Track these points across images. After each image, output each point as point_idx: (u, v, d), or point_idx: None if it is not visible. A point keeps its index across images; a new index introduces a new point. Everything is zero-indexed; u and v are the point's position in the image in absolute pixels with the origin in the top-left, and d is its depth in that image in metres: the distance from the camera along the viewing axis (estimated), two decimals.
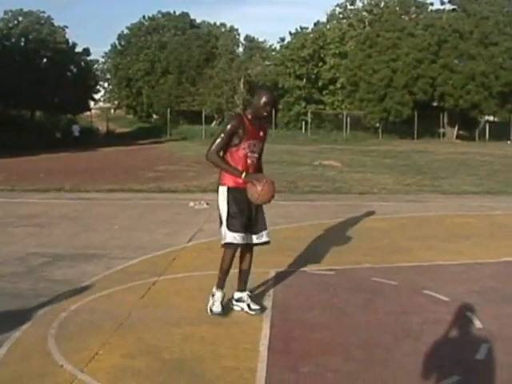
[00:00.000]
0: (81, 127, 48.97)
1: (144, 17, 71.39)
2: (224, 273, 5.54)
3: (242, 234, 5.44)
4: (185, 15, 70.48)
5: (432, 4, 58.81)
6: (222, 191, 5.49)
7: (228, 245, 5.44)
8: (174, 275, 6.92)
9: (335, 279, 6.83)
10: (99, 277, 6.86)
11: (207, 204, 12.02)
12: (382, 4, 61.68)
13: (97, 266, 7.37)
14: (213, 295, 5.56)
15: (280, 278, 6.77)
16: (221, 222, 5.50)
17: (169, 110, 54.95)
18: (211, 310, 5.51)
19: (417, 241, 8.99)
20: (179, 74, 62.70)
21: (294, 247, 8.28)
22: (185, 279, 6.80)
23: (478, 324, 5.25)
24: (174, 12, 71.06)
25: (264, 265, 6.71)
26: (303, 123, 56.39)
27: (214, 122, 59.38)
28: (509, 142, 47.71)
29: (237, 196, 5.45)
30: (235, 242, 5.41)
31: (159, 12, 71.57)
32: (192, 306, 5.73)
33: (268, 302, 5.88)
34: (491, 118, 55.47)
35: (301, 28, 63.40)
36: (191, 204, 12.29)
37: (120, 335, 4.97)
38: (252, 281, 5.82)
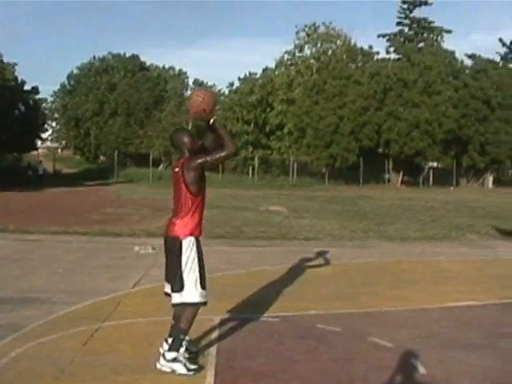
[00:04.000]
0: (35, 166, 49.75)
1: (94, 57, 71.16)
2: (185, 333, 5.21)
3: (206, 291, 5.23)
4: (135, 57, 70.49)
5: (378, 53, 60.19)
6: (188, 244, 5.13)
7: (200, 304, 5.19)
8: (118, 321, 6.82)
9: (280, 326, 6.82)
10: (41, 322, 6.71)
11: (153, 248, 11.90)
12: (330, 52, 62.82)
13: (39, 311, 7.21)
14: (175, 359, 5.13)
15: (225, 324, 6.73)
16: (179, 282, 5.10)
17: (116, 152, 54.52)
18: (186, 372, 5.13)
19: (362, 287, 9.06)
20: (128, 116, 62.46)
21: (238, 294, 8.26)
22: (129, 325, 6.70)
23: (421, 370, 5.31)
24: (124, 54, 71.02)
25: (208, 312, 6.66)
26: (250, 168, 56.66)
27: (162, 165, 59.13)
28: (451, 188, 48.75)
29: (200, 247, 5.22)
30: (205, 300, 5.19)
31: (109, 53, 71.45)
32: (136, 353, 5.64)
33: (212, 349, 5.83)
34: (435, 165, 56.65)
35: (250, 73, 64.12)
36: (136, 248, 12.16)
37: (62, 383, 4.86)
38: (196, 328, 5.74)
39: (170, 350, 5.18)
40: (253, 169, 55.84)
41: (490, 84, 50.10)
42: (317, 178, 53.03)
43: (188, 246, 5.11)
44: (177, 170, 5.21)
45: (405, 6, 60.44)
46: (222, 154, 5.14)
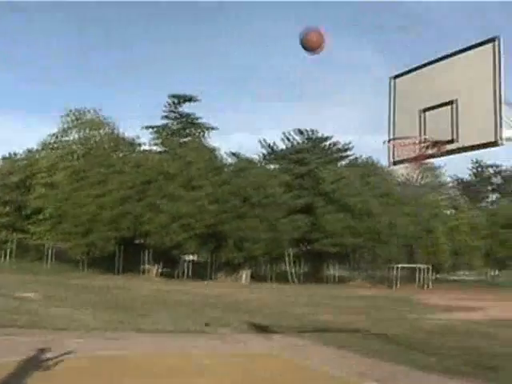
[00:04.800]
0: None
1: None
2: None
3: None
4: None
5: (140, 145, 61.05)
6: None
7: None
8: None
9: None
10: None
11: None
12: (96, 139, 62.62)
13: None
14: None
15: None
16: None
17: None
18: None
19: (115, 380, 8.89)
20: None
21: None
22: None
23: None
24: None
25: None
26: (6, 252, 54.07)
27: None
28: (206, 282, 49.68)
29: None
30: None
31: None
32: None
33: None
34: (192, 258, 57.69)
35: (13, 154, 62.37)
36: None
37: None
38: None
39: None
40: (10, 252, 53.46)
41: (248, 182, 52.69)
42: (74, 265, 51.70)
43: None
44: None
45: (173, 100, 62.04)
46: None
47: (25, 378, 8.48)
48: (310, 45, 6.35)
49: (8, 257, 53.59)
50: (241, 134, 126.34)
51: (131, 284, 37.13)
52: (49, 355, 10.19)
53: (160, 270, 53.18)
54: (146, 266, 53.48)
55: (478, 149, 8.85)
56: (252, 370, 10.52)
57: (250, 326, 17.18)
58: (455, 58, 9.00)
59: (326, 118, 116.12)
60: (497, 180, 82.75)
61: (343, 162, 67.13)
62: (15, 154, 62.41)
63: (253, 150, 68.17)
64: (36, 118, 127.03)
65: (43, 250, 54.60)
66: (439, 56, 9.30)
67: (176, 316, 19.17)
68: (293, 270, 57.44)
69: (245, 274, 54.81)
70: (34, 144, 65.38)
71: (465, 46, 8.82)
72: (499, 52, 8.21)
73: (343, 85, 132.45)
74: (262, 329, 16.68)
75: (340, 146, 67.61)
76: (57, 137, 63.70)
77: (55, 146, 63.80)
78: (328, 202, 56.22)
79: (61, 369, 9.33)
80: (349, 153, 67.79)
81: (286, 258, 56.50)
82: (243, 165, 56.77)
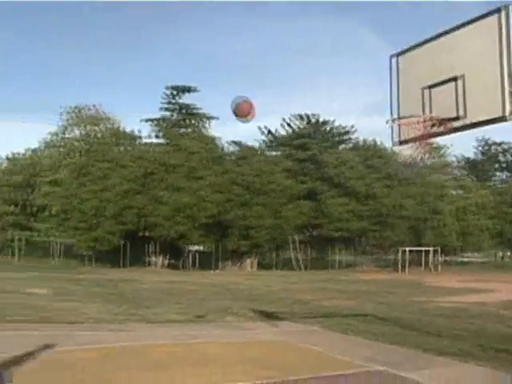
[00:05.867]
0: None
1: None
2: None
3: None
4: None
5: (140, 138, 60.94)
6: None
7: None
8: None
9: None
10: None
11: None
12: (97, 134, 62.73)
13: None
14: None
15: None
16: None
17: None
18: None
19: (124, 371, 8.80)
20: None
21: None
22: None
23: None
24: None
25: None
26: (14, 250, 54.24)
27: None
28: (212, 271, 49.71)
29: None
30: None
31: None
32: None
33: None
34: (197, 248, 57.72)
35: (17, 153, 62.94)
36: None
37: None
38: None
39: None
40: (19, 250, 53.75)
41: (249, 170, 52.64)
42: (82, 260, 51.94)
43: None
44: None
45: (172, 91, 61.74)
46: None
47: (35, 371, 8.40)
48: (241, 113, 7.29)
49: (17, 255, 53.84)
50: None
51: (138, 276, 37.15)
52: (59, 348, 10.15)
53: (166, 262, 53.22)
54: (152, 258, 53.52)
55: (485, 125, 8.61)
56: (260, 357, 10.41)
57: (256, 314, 17.11)
58: (459, 31, 8.73)
59: (328, 102, 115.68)
60: (505, 158, 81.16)
61: (346, 146, 66.86)
62: (18, 154, 62.65)
63: (253, 138, 67.88)
64: (36, 118, 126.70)
65: (50, 246, 54.87)
66: (442, 31, 9.05)
67: (181, 306, 19.13)
68: (298, 257, 57.33)
69: (250, 262, 54.89)
70: (36, 143, 65.94)
71: (469, 19, 8.57)
72: (506, 24, 7.96)
73: (343, 68, 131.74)
74: (268, 316, 16.61)
75: (342, 130, 67.37)
76: (58, 135, 63.94)
77: (57, 144, 64.06)
78: (332, 187, 56.15)
79: (71, 360, 9.27)
80: (351, 136, 67.65)
81: (291, 245, 56.40)
82: (245, 153, 56.69)
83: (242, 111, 7.33)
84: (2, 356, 9.27)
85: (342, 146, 66.63)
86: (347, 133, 67.60)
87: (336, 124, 66.92)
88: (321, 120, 66.60)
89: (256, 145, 63.22)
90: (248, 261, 54.81)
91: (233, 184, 51.42)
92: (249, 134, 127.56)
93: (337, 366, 9.90)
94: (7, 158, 62.69)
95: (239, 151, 58.45)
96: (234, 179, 51.72)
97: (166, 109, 62.12)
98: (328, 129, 67.21)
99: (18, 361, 9.10)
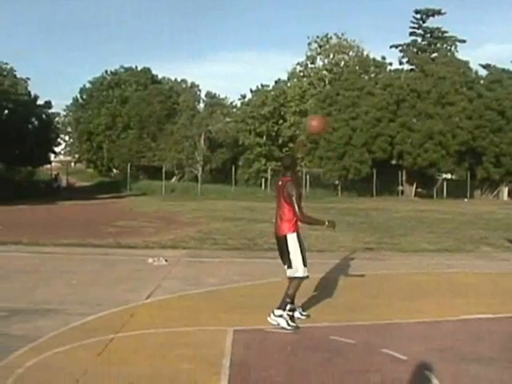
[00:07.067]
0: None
1: (106, 71, 71.60)
2: (292, 298, 7.16)
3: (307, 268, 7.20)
4: (146, 70, 70.89)
5: (391, 64, 60.15)
6: (293, 237, 7.21)
7: (303, 278, 7.21)
8: (132, 332, 6.83)
9: (293, 337, 6.82)
10: (56, 333, 6.74)
11: (166, 261, 11.94)
12: (342, 63, 62.93)
13: (54, 322, 7.23)
14: (280, 316, 7.01)
15: (238, 336, 6.70)
16: (289, 262, 7.16)
17: (129, 165, 54.59)
18: (287, 327, 6.95)
19: (375, 299, 9.02)
20: (140, 129, 62.66)
21: (251, 305, 8.26)
22: (143, 336, 6.70)
23: (436, 383, 5.27)
24: (136, 67, 71.48)
25: (221, 323, 6.68)
26: (263, 180, 56.68)
27: (174, 178, 59.37)
28: (465, 199, 48.43)
29: (300, 238, 7.28)
30: (307, 274, 7.25)
31: (121, 67, 71.86)
32: (150, 364, 5.65)
33: (226, 360, 5.82)
34: (449, 176, 56.40)
35: (262, 85, 64.26)
36: (150, 260, 12.15)
37: None
38: (209, 339, 5.77)
39: (278, 308, 7.10)
40: (266, 181, 55.86)
41: (505, 94, 49.86)
42: (330, 189, 52.91)
43: (292, 238, 7.22)
44: (280, 183, 7.51)
45: (418, 16, 60.20)
46: (299, 215, 7.25)
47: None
48: (313, 130, 8.12)
49: (265, 185, 56.09)
50: (492, 44, 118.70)
51: (387, 205, 37.12)
52: (314, 275, 10.60)
53: (416, 191, 52.66)
54: (401, 187, 53.24)
55: None
56: None
57: None
58: None
59: None
60: None
61: None
62: (263, 87, 64.57)
63: (506, 61, 63.72)
64: (281, 51, 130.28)
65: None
66: None
67: (435, 235, 18.92)
68: None
69: (505, 191, 52.44)
70: (282, 75, 67.45)
71: None
72: None
73: None
74: None
75: None
76: (304, 65, 64.95)
77: (303, 74, 65.18)
78: None
79: (326, 288, 9.66)
80: None
81: None
82: (497, 76, 53.50)
83: (317, 129, 8.06)
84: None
85: None
86: None
87: None
88: None
89: (509, 67, 59.42)
90: (502, 189, 52.44)
91: (485, 109, 49.03)
92: (500, 56, 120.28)
93: None
94: (251, 91, 64.85)
95: (490, 74, 55.31)
96: (486, 104, 49.26)
97: (413, 33, 60.53)
98: None
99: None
